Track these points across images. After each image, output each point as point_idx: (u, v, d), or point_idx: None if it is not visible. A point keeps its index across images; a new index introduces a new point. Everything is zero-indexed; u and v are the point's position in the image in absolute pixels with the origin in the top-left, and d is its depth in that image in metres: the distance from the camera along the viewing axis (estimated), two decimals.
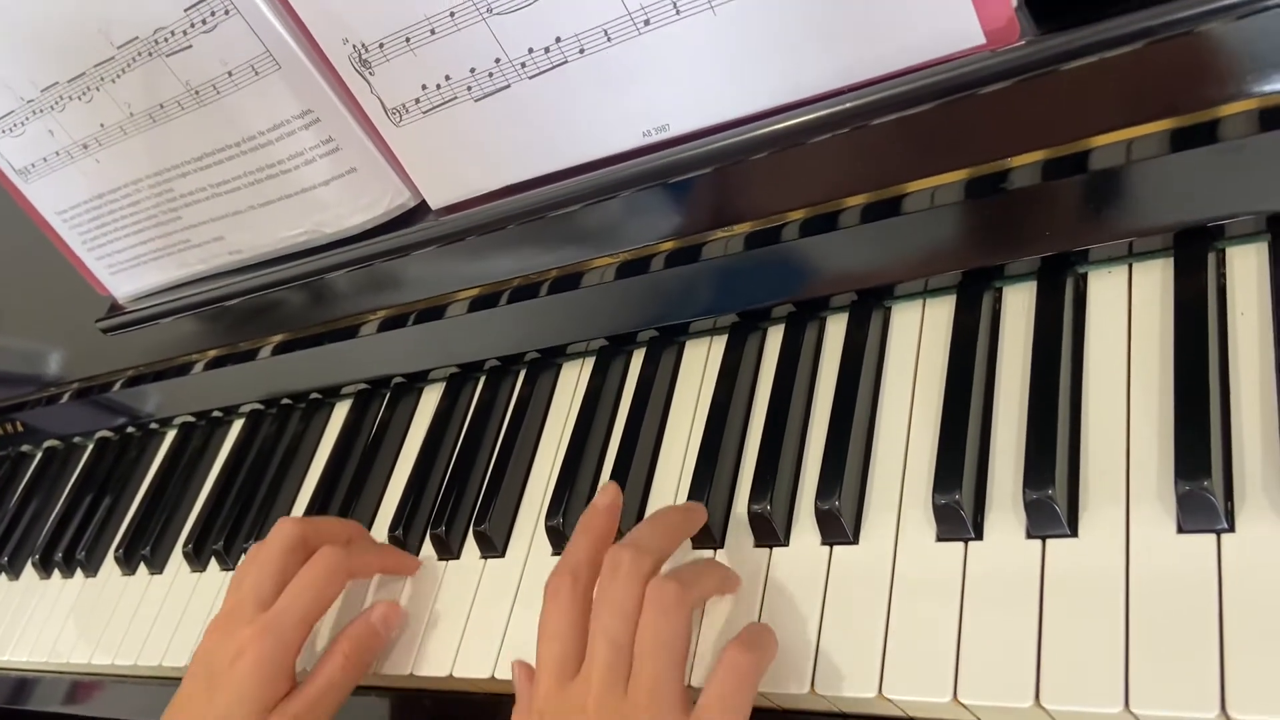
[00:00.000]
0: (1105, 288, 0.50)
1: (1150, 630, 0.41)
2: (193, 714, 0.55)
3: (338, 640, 0.58)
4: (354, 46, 0.55)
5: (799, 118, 0.48)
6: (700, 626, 0.51)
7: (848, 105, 0.47)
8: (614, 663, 0.46)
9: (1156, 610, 0.41)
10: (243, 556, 0.72)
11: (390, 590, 0.65)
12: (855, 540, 0.50)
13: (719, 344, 0.62)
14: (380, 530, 0.69)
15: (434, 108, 0.56)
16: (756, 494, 0.52)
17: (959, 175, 0.51)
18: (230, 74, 0.59)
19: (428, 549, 0.65)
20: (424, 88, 0.55)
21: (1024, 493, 0.45)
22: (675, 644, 0.46)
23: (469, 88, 0.54)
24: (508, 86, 0.53)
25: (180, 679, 0.72)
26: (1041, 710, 0.42)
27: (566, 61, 0.51)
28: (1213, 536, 0.41)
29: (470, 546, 0.63)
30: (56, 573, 0.87)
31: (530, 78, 0.52)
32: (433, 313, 0.70)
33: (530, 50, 0.51)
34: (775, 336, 0.60)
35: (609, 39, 0.50)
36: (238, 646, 0.55)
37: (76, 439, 0.98)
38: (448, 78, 0.54)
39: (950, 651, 0.44)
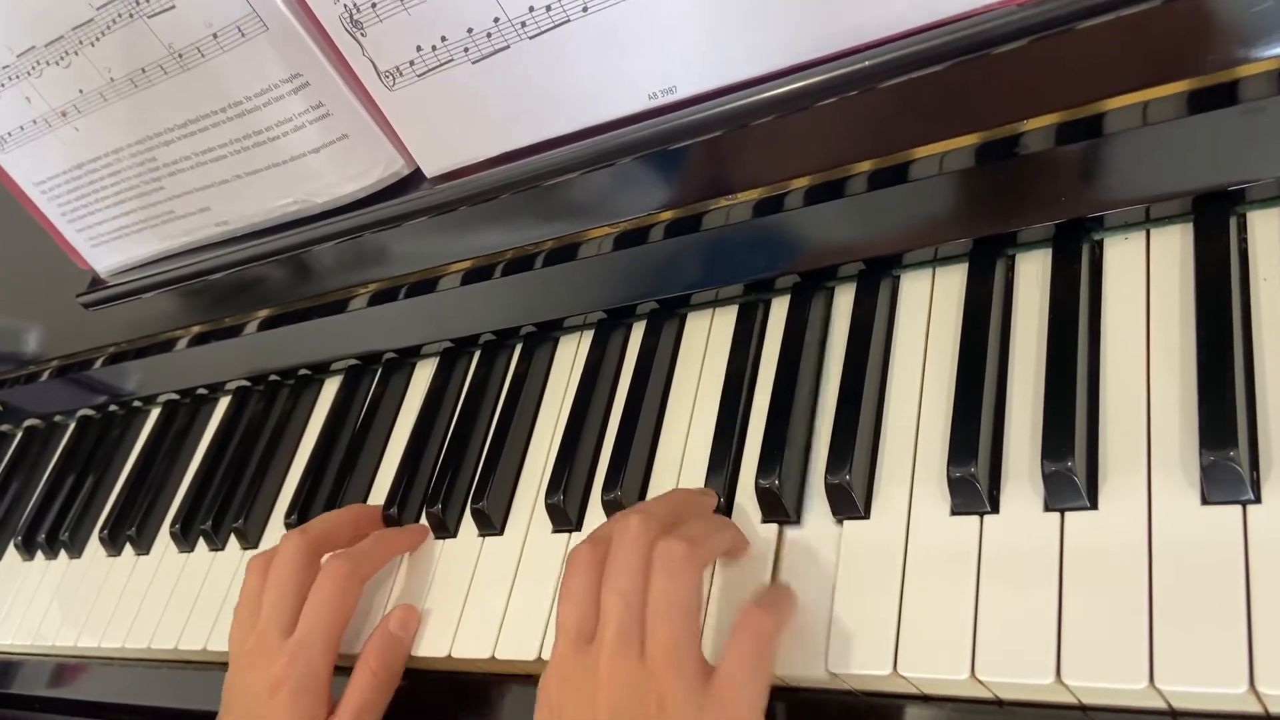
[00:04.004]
0: (1122, 254, 0.49)
1: (1174, 604, 0.40)
2: None
3: (363, 657, 0.57)
4: (345, 6, 0.53)
5: (813, 77, 0.47)
6: (711, 604, 0.50)
7: (865, 64, 0.45)
8: (626, 624, 0.45)
9: (1181, 584, 0.40)
10: (233, 532, 0.72)
11: (388, 570, 0.63)
12: (867, 515, 0.49)
13: (722, 316, 0.61)
14: None
15: (429, 70, 0.54)
16: (765, 469, 0.51)
17: (971, 139, 0.49)
18: (215, 36, 0.57)
19: (424, 527, 0.64)
20: (419, 49, 0.53)
21: (1042, 464, 0.44)
22: (686, 605, 0.45)
23: (466, 49, 0.52)
24: (507, 47, 0.51)
25: (169, 660, 0.71)
26: (1062, 687, 0.41)
27: (569, 20, 0.49)
28: (1238, 508, 0.41)
29: (468, 525, 0.62)
30: (40, 554, 0.85)
31: (531, 38, 0.51)
32: (426, 285, 0.68)
33: (531, 9, 0.49)
34: (781, 308, 0.58)
35: None
36: (272, 679, 0.55)
37: (58, 418, 0.97)
38: (444, 39, 0.52)
39: (967, 627, 0.43)
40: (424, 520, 0.64)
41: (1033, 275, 0.51)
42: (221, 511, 0.74)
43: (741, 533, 0.51)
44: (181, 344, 0.82)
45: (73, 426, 0.95)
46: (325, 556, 0.60)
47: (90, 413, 0.93)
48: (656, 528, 0.47)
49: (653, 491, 0.57)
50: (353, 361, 0.76)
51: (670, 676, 0.43)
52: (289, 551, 0.59)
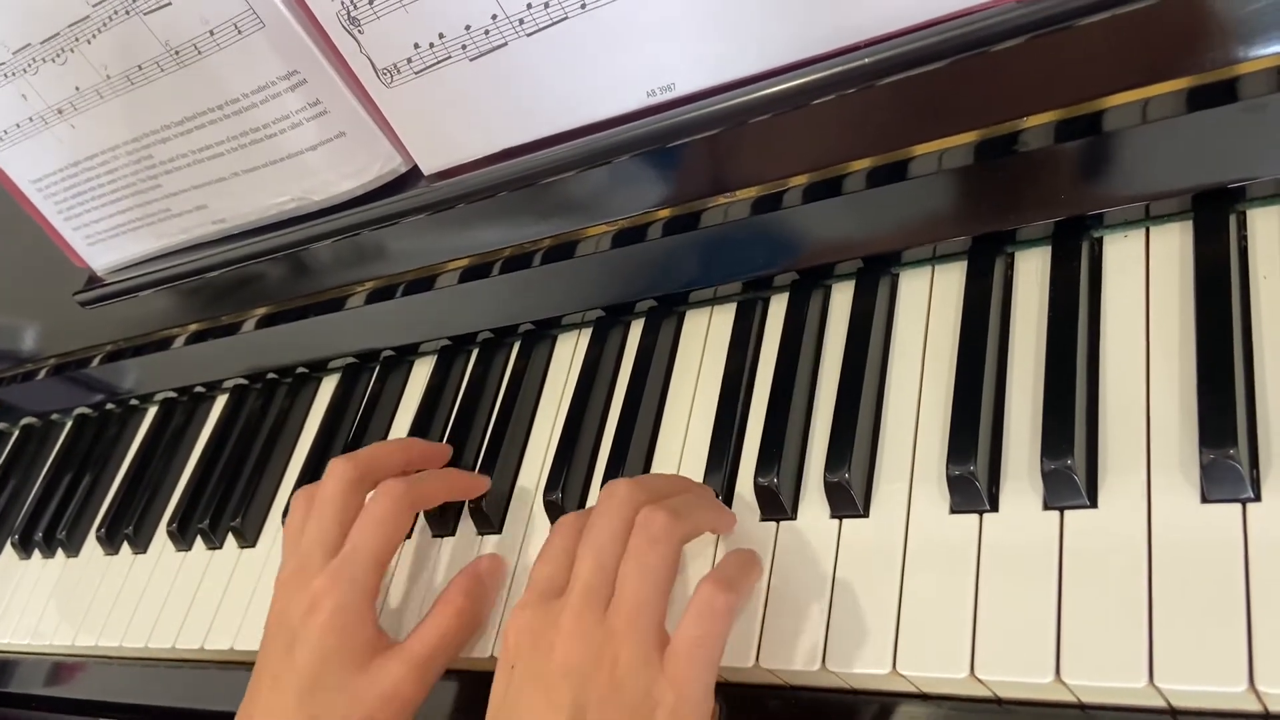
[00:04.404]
0: (1122, 252, 0.49)
1: (1174, 603, 0.40)
2: (274, 677, 0.51)
3: (448, 593, 0.54)
4: (342, 3, 0.53)
5: (812, 75, 0.46)
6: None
7: (863, 62, 0.45)
8: (596, 581, 0.45)
9: (1180, 582, 0.40)
10: (231, 531, 0.72)
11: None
12: (865, 513, 0.49)
13: (720, 314, 0.61)
14: None
15: (427, 68, 0.54)
16: (763, 466, 0.51)
17: (969, 137, 0.49)
18: (212, 33, 0.57)
19: (421, 525, 0.63)
20: (416, 47, 0.53)
21: (1041, 462, 0.44)
22: (658, 572, 0.45)
23: (464, 46, 0.52)
24: (505, 45, 0.51)
25: (166, 660, 0.71)
26: (1062, 685, 0.41)
27: (567, 17, 0.49)
28: (1238, 506, 0.40)
29: (466, 523, 0.62)
30: (37, 553, 0.85)
31: (529, 35, 0.50)
32: (423, 283, 0.68)
33: (529, 6, 0.49)
34: (779, 306, 0.58)
35: None
36: (311, 598, 0.51)
37: (54, 416, 0.96)
38: (441, 36, 0.52)
39: (966, 626, 0.43)
40: (422, 517, 0.64)
41: (1032, 273, 0.51)
42: (219, 510, 0.73)
43: (729, 512, 0.51)
44: (179, 342, 0.81)
45: (70, 425, 0.95)
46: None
47: (87, 411, 0.93)
48: (644, 495, 0.47)
49: None
50: (350, 359, 0.76)
51: (628, 640, 0.43)
52: (336, 476, 0.56)
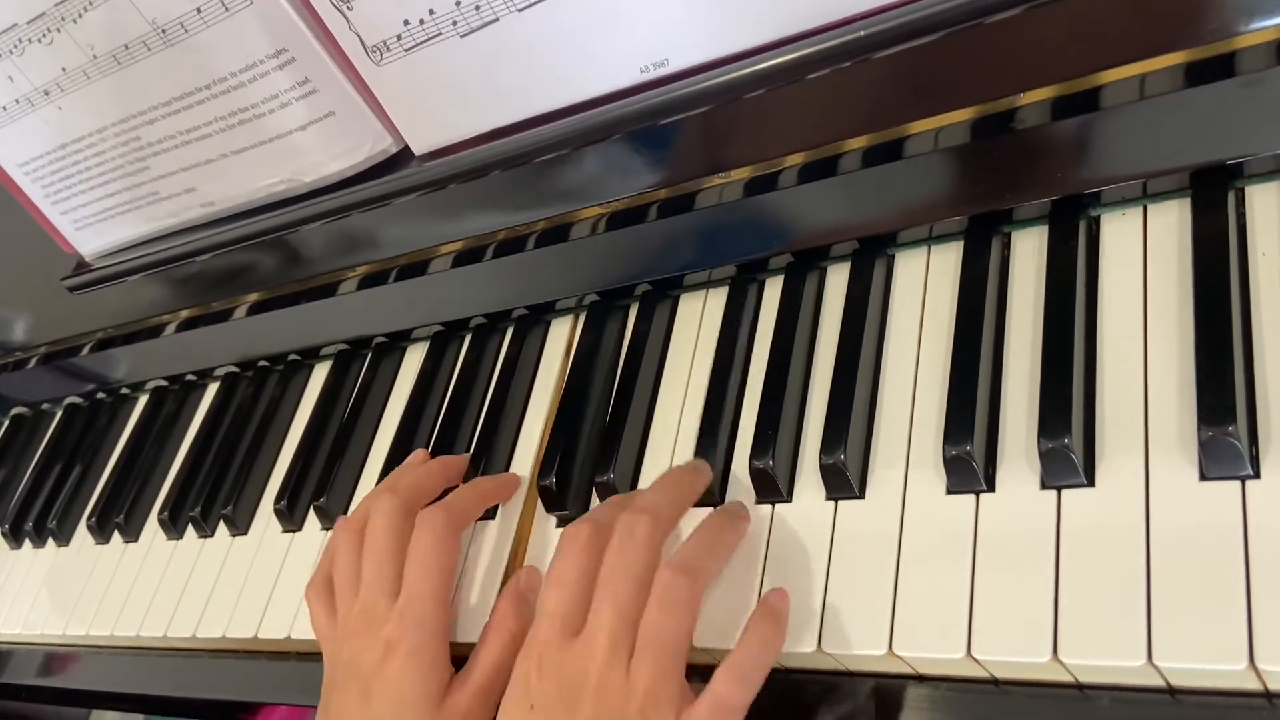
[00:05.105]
0: (1119, 230, 0.49)
1: (1173, 581, 0.39)
2: None
3: (497, 617, 0.54)
4: None
5: (807, 49, 0.46)
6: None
7: (859, 34, 0.45)
8: (619, 636, 0.45)
9: (1179, 560, 0.40)
10: (222, 519, 0.71)
11: None
12: (861, 495, 0.48)
13: (715, 297, 0.60)
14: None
15: (417, 45, 0.53)
16: (758, 449, 0.51)
17: (965, 115, 0.49)
18: (199, 11, 0.56)
19: None
20: (406, 23, 0.53)
21: (1039, 442, 0.43)
22: (678, 641, 0.45)
23: (454, 23, 0.52)
24: (496, 21, 0.51)
25: (157, 649, 0.71)
26: (1059, 665, 0.40)
27: None
28: (1237, 484, 0.40)
29: None
30: (27, 542, 0.85)
31: (520, 10, 0.50)
32: (415, 268, 0.67)
33: None
34: (774, 288, 0.58)
35: None
36: (384, 644, 0.51)
37: (45, 405, 0.96)
38: (431, 12, 0.52)
39: (963, 606, 0.43)
40: None
41: (1029, 253, 0.51)
42: (210, 498, 0.73)
43: (744, 514, 0.50)
44: (169, 329, 0.81)
45: (60, 414, 0.94)
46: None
47: (78, 400, 0.92)
48: (663, 534, 0.48)
49: (645, 474, 0.56)
50: (342, 346, 0.75)
51: (647, 706, 0.43)
52: (384, 513, 0.55)
